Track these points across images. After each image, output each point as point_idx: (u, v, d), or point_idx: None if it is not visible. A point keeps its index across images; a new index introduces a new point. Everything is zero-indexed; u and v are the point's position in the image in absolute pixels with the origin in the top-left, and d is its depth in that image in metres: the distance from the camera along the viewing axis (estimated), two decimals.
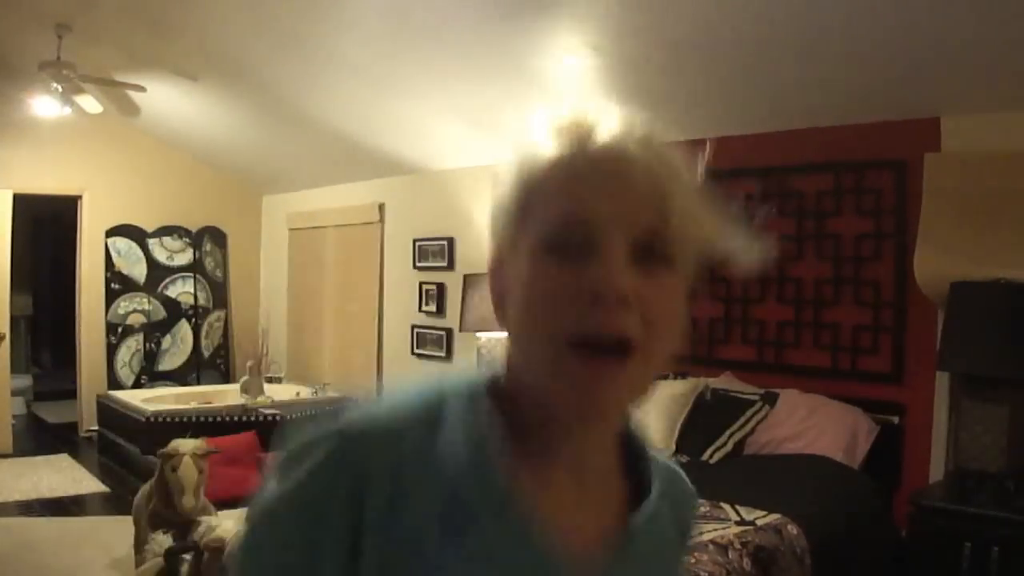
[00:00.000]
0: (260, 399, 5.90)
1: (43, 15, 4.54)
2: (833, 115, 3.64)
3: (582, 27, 3.48)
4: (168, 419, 5.42)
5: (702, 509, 2.90)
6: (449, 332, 5.58)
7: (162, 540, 2.92)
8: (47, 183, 6.57)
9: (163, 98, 5.60)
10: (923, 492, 3.12)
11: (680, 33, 3.30)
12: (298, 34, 4.16)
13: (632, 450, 0.74)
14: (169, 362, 7.23)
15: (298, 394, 6.31)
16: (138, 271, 7.09)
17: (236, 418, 5.58)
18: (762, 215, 0.73)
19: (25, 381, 7.93)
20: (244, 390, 6.01)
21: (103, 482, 5.50)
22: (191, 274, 7.32)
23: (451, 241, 5.56)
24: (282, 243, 7.44)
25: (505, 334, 0.69)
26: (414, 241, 5.88)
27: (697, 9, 3.11)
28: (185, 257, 7.30)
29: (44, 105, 4.91)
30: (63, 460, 6.01)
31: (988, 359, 2.93)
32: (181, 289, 7.28)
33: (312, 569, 0.61)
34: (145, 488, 3.58)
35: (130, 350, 7.05)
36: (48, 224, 8.49)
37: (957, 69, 3.04)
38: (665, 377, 4.06)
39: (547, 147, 0.66)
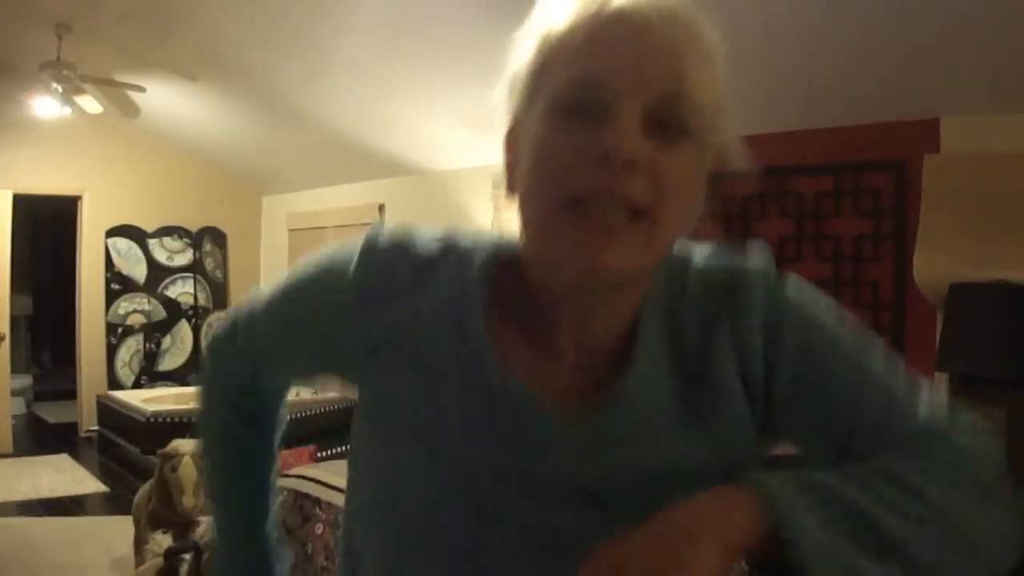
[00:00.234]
0: None
1: (43, 15, 4.54)
2: (832, 116, 3.64)
3: None
4: (168, 419, 5.43)
5: None
6: None
7: (162, 540, 2.92)
8: (47, 183, 6.57)
9: (163, 98, 5.61)
10: None
11: None
12: (298, 34, 4.16)
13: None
14: (169, 362, 7.23)
15: (298, 394, 6.31)
16: (138, 271, 7.09)
17: None
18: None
19: (25, 381, 7.93)
20: None
21: (103, 482, 5.50)
22: (191, 274, 7.33)
23: None
24: (282, 243, 7.45)
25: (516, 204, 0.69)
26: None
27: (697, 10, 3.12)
28: (185, 257, 7.31)
29: (44, 105, 4.91)
30: (63, 460, 6.01)
31: (987, 360, 2.93)
32: (181, 289, 7.29)
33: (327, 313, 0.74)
34: (145, 488, 3.58)
35: (130, 350, 7.05)
36: (48, 224, 8.49)
37: (957, 70, 3.04)
38: None
39: (565, 10, 0.65)
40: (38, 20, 4.58)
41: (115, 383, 6.84)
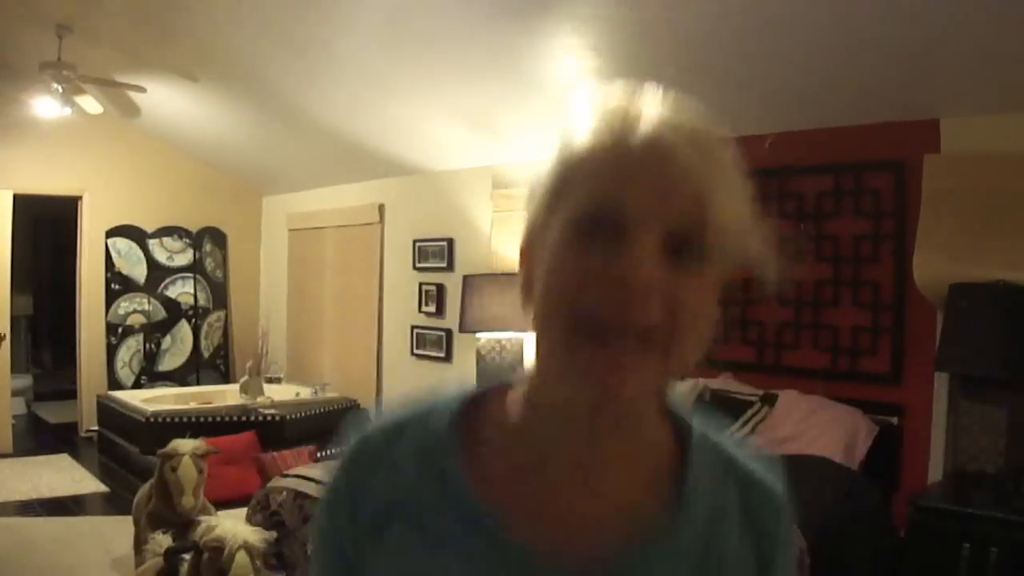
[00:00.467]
0: (260, 399, 5.91)
1: (43, 15, 4.54)
2: (832, 116, 3.64)
3: (581, 28, 3.49)
4: (168, 419, 5.43)
5: None
6: (449, 333, 5.58)
7: (162, 540, 2.92)
8: (47, 183, 6.58)
9: (163, 98, 5.61)
10: (922, 493, 3.12)
11: (679, 34, 3.30)
12: (298, 35, 4.16)
13: (682, 440, 0.71)
14: (169, 362, 7.23)
15: (298, 394, 6.32)
16: (138, 271, 7.09)
17: (236, 418, 5.58)
18: (798, 242, 0.71)
19: (25, 381, 7.94)
20: (244, 390, 6.02)
21: (103, 482, 5.50)
22: (191, 274, 7.33)
23: (451, 242, 5.57)
24: (282, 243, 7.45)
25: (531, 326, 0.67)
26: (414, 242, 5.88)
27: (696, 10, 3.12)
28: (185, 257, 7.31)
29: (44, 105, 4.92)
30: (63, 460, 6.01)
31: (987, 360, 2.93)
32: (181, 289, 7.29)
33: (324, 553, 0.74)
34: (145, 488, 3.58)
35: (130, 350, 7.05)
36: (48, 224, 8.50)
37: (957, 70, 3.04)
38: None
39: (589, 128, 0.65)
40: (38, 20, 4.59)
41: (115, 383, 6.84)
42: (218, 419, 5.53)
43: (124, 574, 3.79)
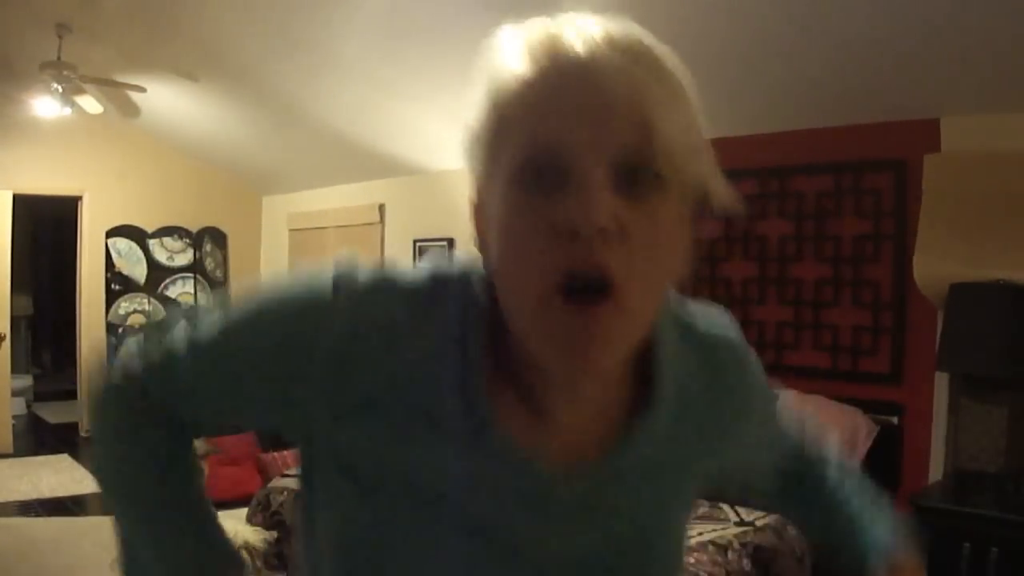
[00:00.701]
0: None
1: (43, 15, 4.54)
2: (832, 116, 3.64)
3: None
4: None
5: (701, 510, 2.91)
6: None
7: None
8: (47, 183, 6.57)
9: (163, 98, 5.61)
10: (922, 492, 3.12)
11: (679, 33, 3.29)
12: (298, 35, 4.16)
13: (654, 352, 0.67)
14: None
15: None
16: (138, 271, 7.09)
17: None
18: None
19: (25, 381, 7.93)
20: None
21: None
22: (191, 275, 7.33)
23: (451, 242, 5.57)
24: (282, 243, 7.44)
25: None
26: (414, 242, 5.88)
27: (696, 9, 3.12)
28: (185, 258, 7.31)
29: (44, 105, 4.91)
30: (63, 460, 6.01)
31: (987, 360, 2.93)
32: (181, 289, 7.29)
33: (245, 376, 0.67)
34: None
35: None
36: (48, 224, 8.49)
37: (957, 69, 3.04)
38: None
39: (517, 65, 0.59)
40: (38, 20, 4.58)
41: None
42: None
43: None
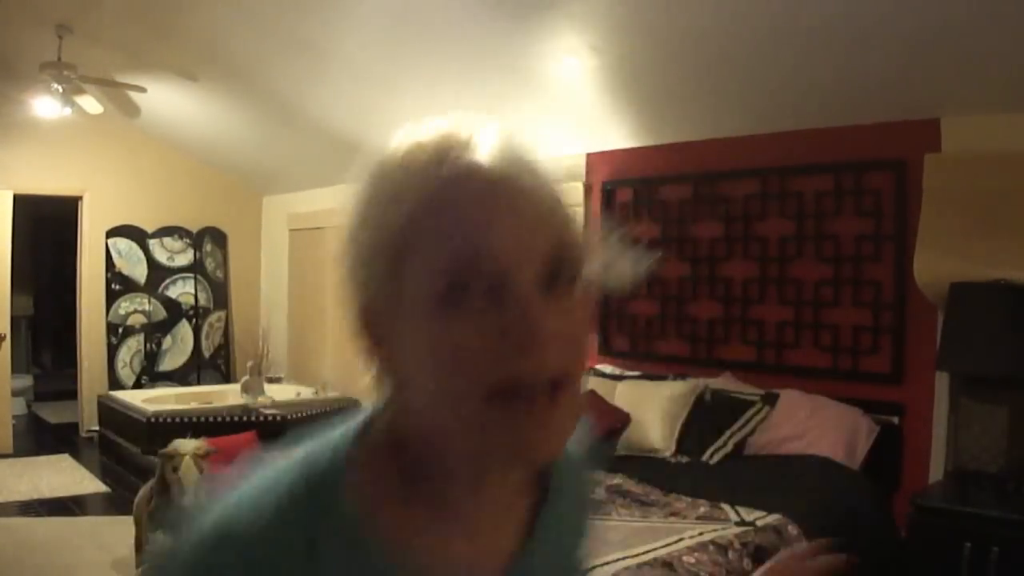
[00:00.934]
0: (261, 399, 5.90)
1: (43, 15, 4.54)
2: (833, 116, 3.64)
3: (582, 27, 3.48)
4: (169, 419, 5.42)
5: (701, 509, 2.90)
6: None
7: (163, 540, 2.92)
8: (48, 183, 6.57)
9: (163, 98, 5.61)
10: (923, 492, 3.12)
11: (680, 33, 3.30)
12: (298, 34, 4.16)
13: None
14: (170, 362, 7.23)
15: (298, 394, 6.32)
16: (139, 271, 7.09)
17: (236, 418, 5.58)
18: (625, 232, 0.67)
19: (26, 381, 7.93)
20: (244, 390, 6.01)
21: (104, 482, 5.50)
22: (191, 274, 7.33)
23: None
24: (282, 243, 7.44)
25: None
26: None
27: (696, 9, 3.12)
28: (185, 257, 7.31)
29: (45, 106, 4.91)
30: (64, 460, 6.01)
31: (988, 359, 2.93)
32: (181, 289, 7.29)
33: None
34: (146, 488, 3.58)
35: (131, 350, 7.05)
36: (48, 224, 8.49)
37: (957, 69, 3.04)
38: (665, 378, 4.07)
39: (419, 177, 0.58)
40: (38, 20, 4.58)
41: (116, 383, 6.84)
42: (219, 419, 5.52)
43: (125, 574, 3.79)
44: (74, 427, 6.98)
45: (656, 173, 4.40)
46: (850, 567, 0.58)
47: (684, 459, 3.58)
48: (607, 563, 2.34)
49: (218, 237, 7.50)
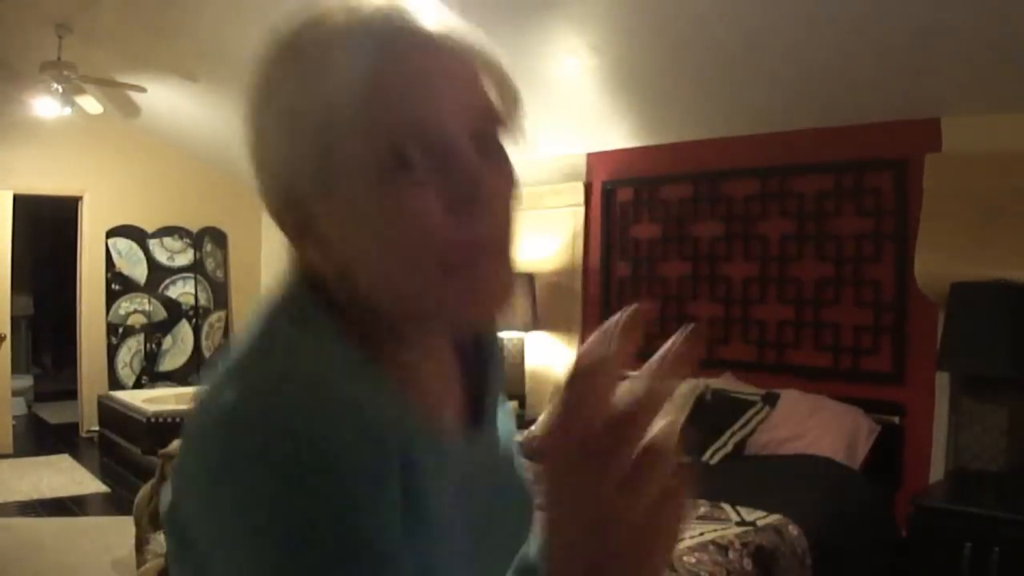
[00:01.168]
0: None
1: (43, 15, 4.54)
2: (833, 115, 3.64)
3: (581, 27, 3.48)
4: (169, 419, 5.42)
5: (702, 509, 2.90)
6: None
7: (163, 540, 2.92)
8: (47, 183, 6.57)
9: (163, 98, 5.61)
10: (923, 492, 3.12)
11: (680, 33, 3.30)
12: None
13: None
14: (170, 362, 7.23)
15: None
16: (139, 272, 7.09)
17: None
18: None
19: (26, 381, 7.93)
20: None
21: (104, 482, 5.50)
22: (192, 274, 7.32)
23: None
24: (282, 243, 7.43)
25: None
26: None
27: (696, 9, 3.11)
28: (186, 258, 7.30)
29: (45, 106, 4.91)
30: (64, 460, 6.01)
31: (988, 359, 2.93)
32: (182, 290, 7.29)
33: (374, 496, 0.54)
34: (146, 488, 3.57)
35: (131, 350, 7.05)
36: (48, 224, 8.49)
37: (957, 69, 3.04)
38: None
39: (344, 44, 0.55)
40: (38, 20, 4.58)
41: (116, 383, 6.84)
42: None
43: (125, 575, 3.78)
44: (74, 427, 6.97)
45: (656, 173, 4.40)
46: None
47: (684, 459, 3.58)
48: None
49: (218, 237, 7.50)
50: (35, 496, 5.11)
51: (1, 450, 6.15)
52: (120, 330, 6.99)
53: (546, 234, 4.91)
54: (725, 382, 3.92)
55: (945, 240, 3.23)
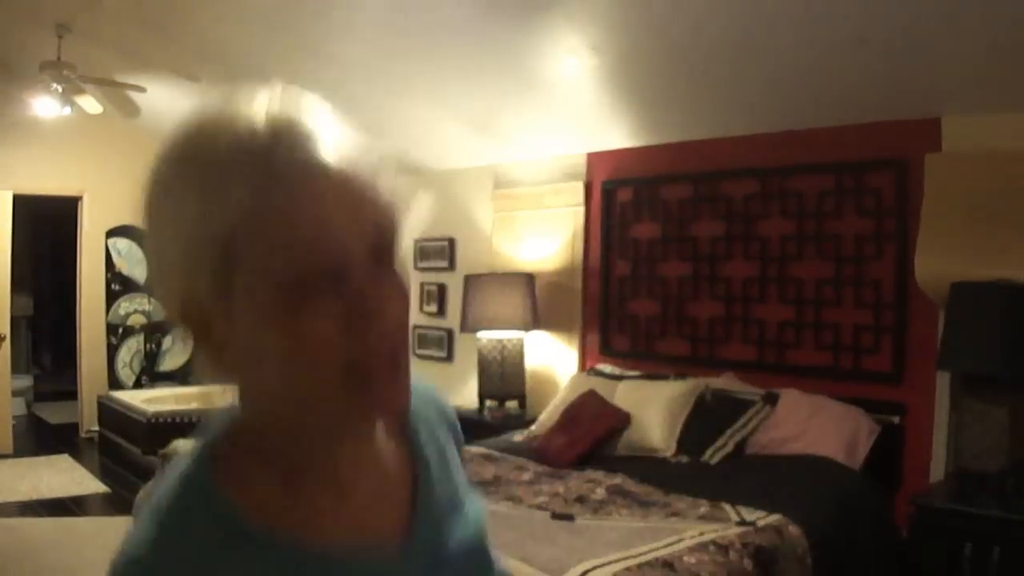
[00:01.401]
0: None
1: (43, 15, 4.54)
2: (833, 115, 3.64)
3: (582, 27, 3.48)
4: (169, 420, 5.42)
5: (702, 509, 2.90)
6: (450, 333, 5.58)
7: None
8: (47, 183, 6.57)
9: (163, 98, 5.60)
10: (924, 492, 3.12)
11: (680, 33, 3.30)
12: (299, 35, 4.16)
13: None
14: (170, 363, 7.23)
15: None
16: (139, 272, 7.09)
17: None
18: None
19: (26, 382, 7.93)
20: None
21: (104, 482, 5.50)
22: None
23: (452, 241, 5.56)
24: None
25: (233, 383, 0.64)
26: (415, 241, 5.88)
27: (696, 9, 3.11)
28: None
29: (44, 105, 4.91)
30: (64, 461, 6.01)
31: (988, 359, 2.92)
32: None
33: None
34: (146, 489, 3.58)
35: (131, 351, 7.05)
36: (48, 224, 8.49)
37: (957, 69, 3.03)
38: (665, 378, 4.06)
39: (243, 167, 0.56)
40: (38, 20, 4.58)
41: (116, 383, 6.84)
42: None
43: None
44: (74, 427, 6.97)
45: (656, 173, 4.40)
46: None
47: (684, 459, 3.58)
48: (607, 563, 2.34)
49: None
50: (35, 496, 5.11)
51: (1, 450, 6.15)
52: (120, 330, 6.99)
53: (546, 234, 4.91)
54: (725, 382, 3.92)
55: (945, 240, 3.23)
